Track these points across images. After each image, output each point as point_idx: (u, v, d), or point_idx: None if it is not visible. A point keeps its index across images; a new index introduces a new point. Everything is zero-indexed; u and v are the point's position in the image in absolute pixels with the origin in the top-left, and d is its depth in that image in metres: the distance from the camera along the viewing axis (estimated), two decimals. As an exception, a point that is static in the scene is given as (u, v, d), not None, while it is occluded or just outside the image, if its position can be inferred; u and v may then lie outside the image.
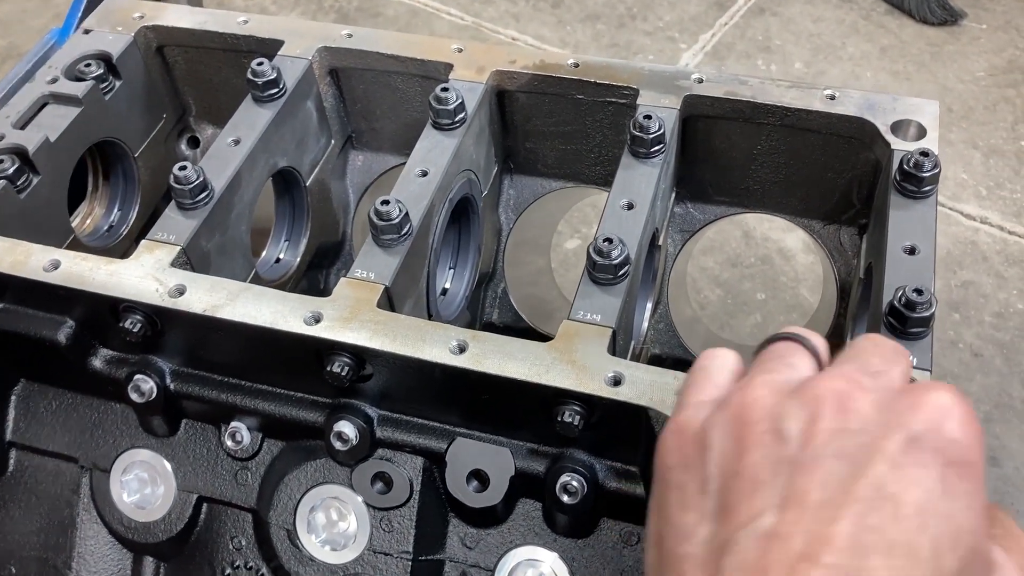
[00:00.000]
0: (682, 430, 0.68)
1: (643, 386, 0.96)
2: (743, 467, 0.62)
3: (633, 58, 3.11)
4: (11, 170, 1.24)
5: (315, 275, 1.57)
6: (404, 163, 1.51)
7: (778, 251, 2.59)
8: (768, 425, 0.63)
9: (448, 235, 1.36)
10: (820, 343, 0.72)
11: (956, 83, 2.96)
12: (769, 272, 2.57)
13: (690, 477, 0.65)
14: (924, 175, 1.10)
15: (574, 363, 0.99)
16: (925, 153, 1.11)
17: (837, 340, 1.38)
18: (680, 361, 1.45)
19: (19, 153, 1.27)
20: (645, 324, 1.39)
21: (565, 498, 1.02)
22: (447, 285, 1.42)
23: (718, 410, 0.66)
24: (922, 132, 1.18)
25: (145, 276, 1.10)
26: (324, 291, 1.58)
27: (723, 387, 0.71)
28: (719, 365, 0.74)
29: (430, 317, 1.28)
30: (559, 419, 0.98)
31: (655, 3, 3.30)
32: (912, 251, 1.06)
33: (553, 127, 1.40)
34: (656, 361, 1.45)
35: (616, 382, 0.96)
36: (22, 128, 1.30)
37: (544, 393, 0.98)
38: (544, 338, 1.51)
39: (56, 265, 1.12)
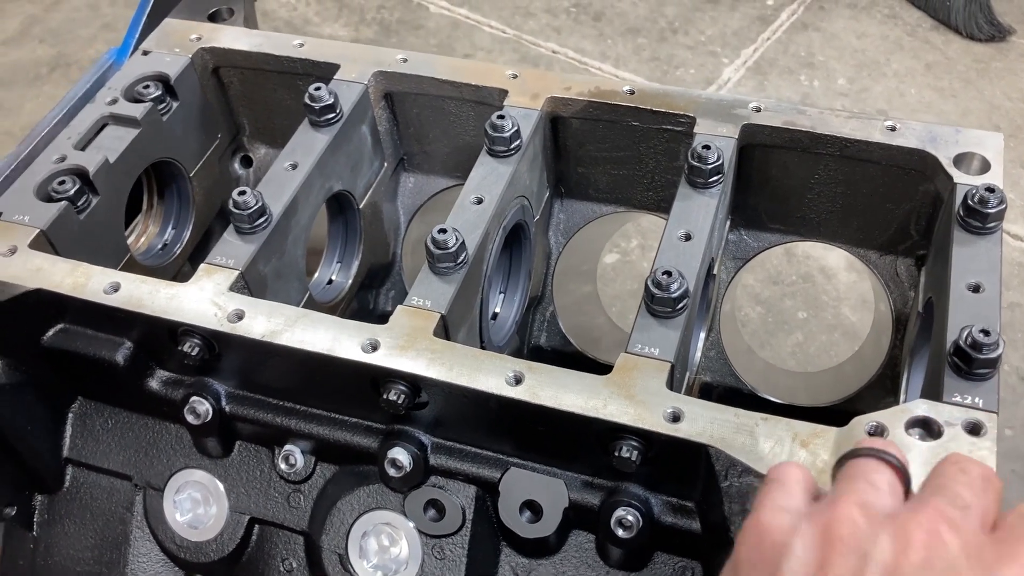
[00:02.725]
0: (764, 530, 0.69)
1: (703, 423, 0.95)
2: None
3: (674, 72, 3.10)
4: (72, 191, 1.26)
5: (365, 295, 1.58)
6: (454, 185, 1.52)
7: (820, 269, 2.57)
8: (855, 545, 0.64)
9: (500, 260, 1.36)
10: (903, 458, 0.73)
11: (1004, 100, 2.91)
12: (811, 290, 2.54)
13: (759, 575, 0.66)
14: (989, 211, 1.08)
15: (632, 398, 0.98)
16: (991, 189, 1.09)
17: (892, 371, 1.36)
18: (731, 389, 1.44)
19: (80, 174, 1.29)
20: (698, 354, 1.38)
21: (620, 532, 1.02)
22: (498, 309, 1.43)
23: (806, 521, 0.67)
24: (986, 166, 1.16)
25: (204, 300, 1.12)
26: (374, 311, 1.59)
27: (799, 498, 0.72)
28: (794, 479, 0.74)
29: (482, 342, 1.28)
30: (616, 454, 0.98)
31: (697, 17, 3.29)
32: (977, 289, 1.04)
33: (606, 153, 1.40)
34: (707, 389, 1.45)
35: (675, 418, 0.96)
36: (83, 149, 1.32)
37: (601, 428, 0.98)
38: (594, 364, 1.52)
39: (116, 287, 1.13)
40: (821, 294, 2.53)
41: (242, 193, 1.18)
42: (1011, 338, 2.37)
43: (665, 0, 3.37)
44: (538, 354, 1.55)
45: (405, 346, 1.05)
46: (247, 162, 1.63)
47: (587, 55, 3.18)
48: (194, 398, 1.17)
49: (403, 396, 1.04)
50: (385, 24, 3.38)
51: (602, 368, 1.02)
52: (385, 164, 1.48)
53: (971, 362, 0.96)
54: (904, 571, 0.61)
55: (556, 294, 1.55)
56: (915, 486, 0.74)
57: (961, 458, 0.73)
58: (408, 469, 1.09)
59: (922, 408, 0.92)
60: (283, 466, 1.19)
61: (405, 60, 1.40)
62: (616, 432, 0.98)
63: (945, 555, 0.62)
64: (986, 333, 0.95)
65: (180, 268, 1.52)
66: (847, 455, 0.74)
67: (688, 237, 1.15)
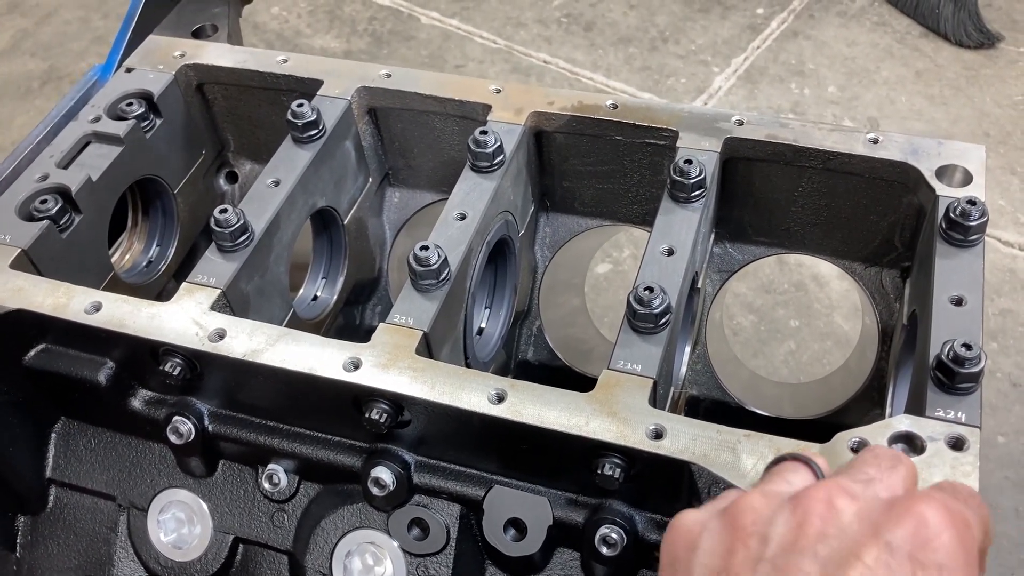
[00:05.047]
0: (677, 531, 0.73)
1: (685, 439, 0.94)
2: (728, 567, 0.66)
3: (665, 81, 3.11)
4: (54, 210, 1.26)
5: (351, 311, 1.57)
6: (440, 200, 1.52)
7: (812, 278, 2.56)
8: (756, 529, 0.67)
9: (485, 275, 1.35)
10: (823, 463, 0.77)
11: (993, 107, 2.92)
12: (803, 299, 2.54)
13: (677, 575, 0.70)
14: (971, 224, 1.08)
15: (615, 415, 0.98)
16: (972, 201, 1.09)
17: (879, 384, 1.36)
18: (718, 403, 1.44)
19: (62, 193, 1.29)
20: (683, 368, 1.37)
21: (604, 550, 1.01)
22: (483, 325, 1.42)
23: (714, 516, 0.72)
24: (968, 178, 1.16)
25: (185, 320, 1.11)
26: (360, 327, 1.59)
27: (708, 503, 0.77)
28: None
29: (467, 358, 1.27)
30: (599, 471, 0.97)
31: (687, 26, 3.30)
32: (959, 302, 1.04)
33: (590, 167, 1.39)
34: (694, 403, 1.44)
35: (658, 435, 0.95)
36: (65, 168, 1.32)
37: (584, 445, 0.97)
38: (580, 378, 1.52)
39: (97, 307, 1.13)
40: (814, 303, 2.52)
41: (223, 211, 1.18)
42: (1003, 344, 2.37)
43: (656, 10, 3.38)
44: (525, 369, 1.55)
45: (387, 364, 1.05)
46: (232, 178, 1.62)
47: (578, 65, 3.18)
48: (177, 418, 1.16)
49: (385, 415, 1.04)
50: (377, 35, 3.38)
51: (589, 382, 1.02)
52: (370, 179, 1.48)
53: (953, 377, 0.95)
54: (801, 545, 0.64)
55: (543, 308, 1.54)
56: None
57: (878, 448, 0.77)
58: (392, 488, 1.08)
59: (905, 423, 0.92)
60: (267, 485, 1.19)
61: (389, 75, 1.39)
62: (599, 449, 0.97)
63: (839, 522, 0.65)
64: (968, 347, 0.95)
65: (165, 285, 1.51)
66: (773, 462, 0.79)
67: (671, 252, 1.14)
